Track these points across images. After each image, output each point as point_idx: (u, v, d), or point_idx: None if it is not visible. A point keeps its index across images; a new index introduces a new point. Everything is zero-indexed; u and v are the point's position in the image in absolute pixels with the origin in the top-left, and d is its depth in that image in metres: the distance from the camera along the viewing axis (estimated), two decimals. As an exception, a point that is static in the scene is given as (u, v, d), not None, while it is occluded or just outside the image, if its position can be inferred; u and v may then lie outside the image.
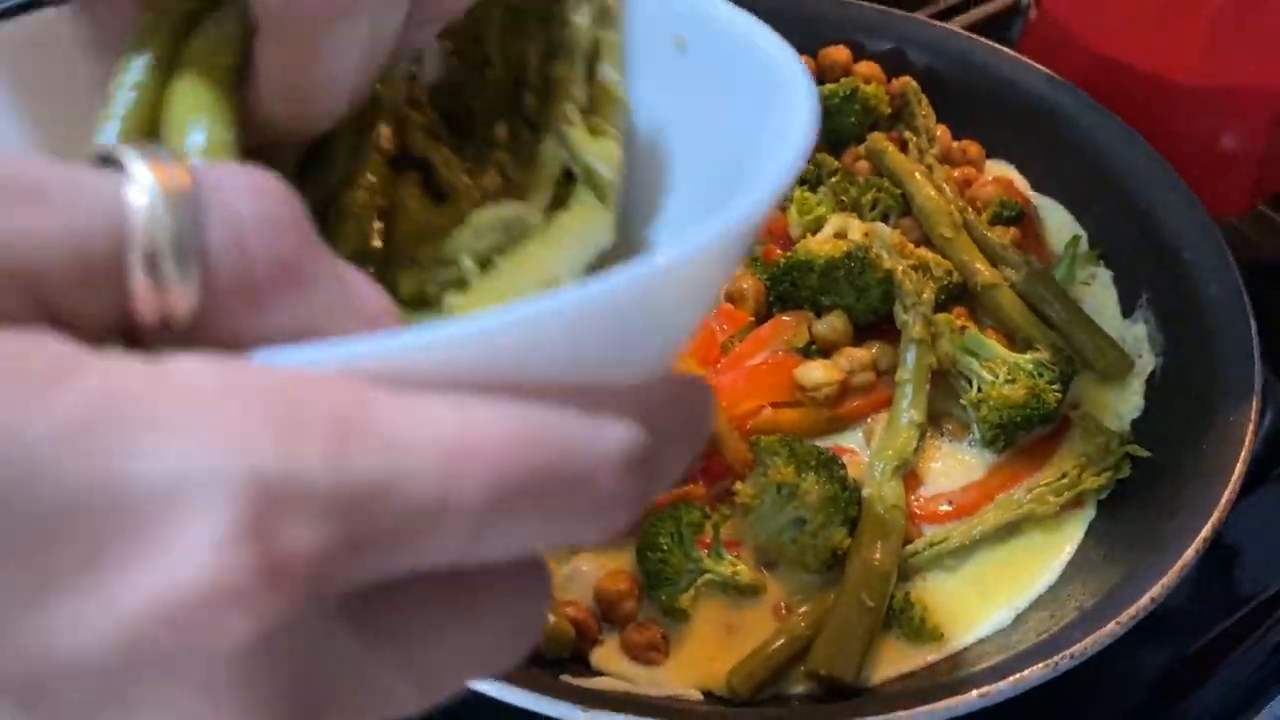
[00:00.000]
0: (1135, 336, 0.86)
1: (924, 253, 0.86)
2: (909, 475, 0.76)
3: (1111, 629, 0.63)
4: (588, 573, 0.73)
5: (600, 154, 0.38)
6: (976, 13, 1.22)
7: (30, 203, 0.21)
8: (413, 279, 0.36)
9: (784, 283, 0.84)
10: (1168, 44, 0.94)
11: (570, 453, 0.22)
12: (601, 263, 0.37)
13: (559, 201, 0.39)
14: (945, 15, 1.22)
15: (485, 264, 0.36)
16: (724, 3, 0.39)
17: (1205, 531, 0.67)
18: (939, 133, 0.99)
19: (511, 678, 0.59)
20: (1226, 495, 0.68)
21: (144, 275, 0.21)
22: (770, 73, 0.34)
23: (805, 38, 1.04)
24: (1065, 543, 0.75)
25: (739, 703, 0.68)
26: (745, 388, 0.78)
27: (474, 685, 0.41)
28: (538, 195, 0.39)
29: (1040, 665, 0.62)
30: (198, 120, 0.31)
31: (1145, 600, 0.64)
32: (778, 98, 0.32)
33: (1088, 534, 0.76)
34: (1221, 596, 0.79)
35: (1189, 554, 0.66)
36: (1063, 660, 0.62)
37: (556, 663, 0.68)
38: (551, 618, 0.68)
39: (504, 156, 0.40)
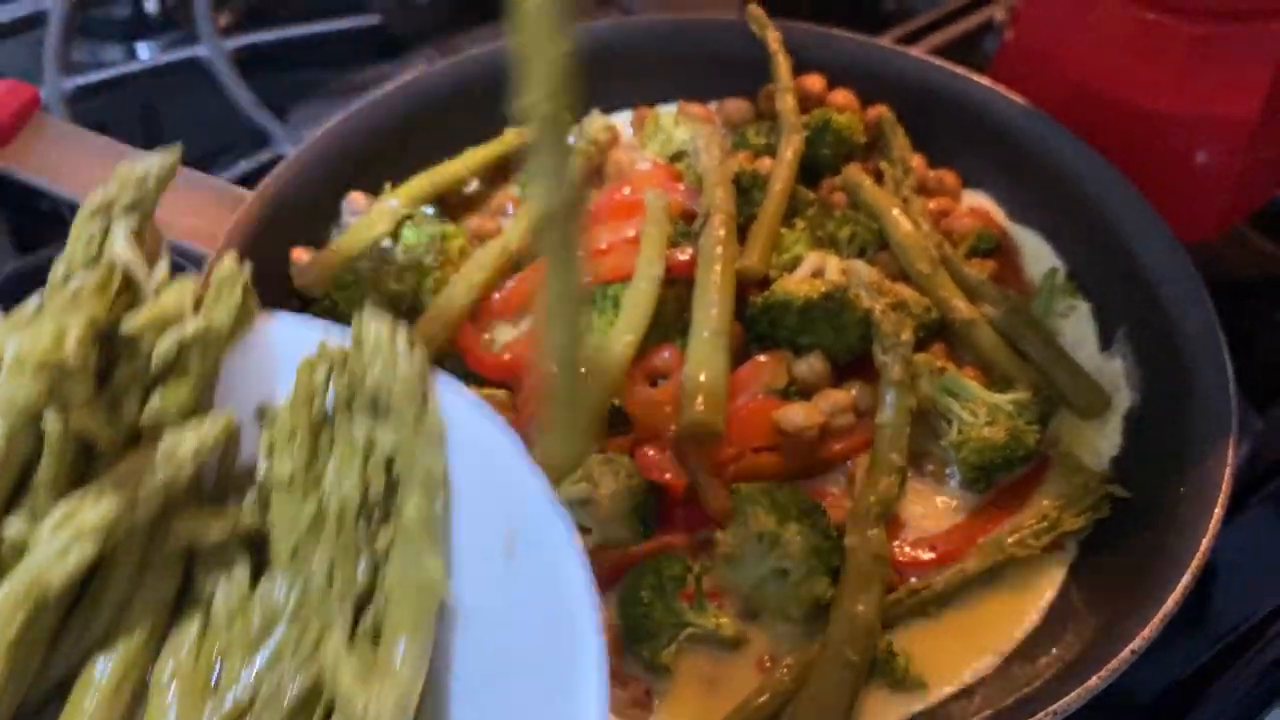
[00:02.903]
0: (1114, 371, 0.85)
1: (902, 289, 0.85)
2: (890, 520, 0.75)
3: (1094, 684, 0.63)
4: (570, 628, 0.72)
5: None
6: (949, 31, 1.22)
7: None
8: None
9: (761, 323, 0.83)
10: (1143, 71, 0.93)
11: None
12: None
13: None
14: (916, 36, 1.21)
15: None
16: (558, 510, 0.42)
17: (1186, 579, 0.67)
18: (915, 162, 0.98)
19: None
20: (1205, 542, 0.68)
21: None
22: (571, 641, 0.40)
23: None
24: (1046, 586, 0.75)
25: (723, 760, 0.67)
26: (725, 433, 0.77)
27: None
28: None
29: (1024, 724, 0.62)
30: None
31: (1126, 653, 0.64)
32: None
33: (1068, 576, 0.75)
34: (1207, 624, 0.79)
35: (1169, 604, 0.65)
36: (1046, 718, 0.62)
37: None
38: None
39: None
